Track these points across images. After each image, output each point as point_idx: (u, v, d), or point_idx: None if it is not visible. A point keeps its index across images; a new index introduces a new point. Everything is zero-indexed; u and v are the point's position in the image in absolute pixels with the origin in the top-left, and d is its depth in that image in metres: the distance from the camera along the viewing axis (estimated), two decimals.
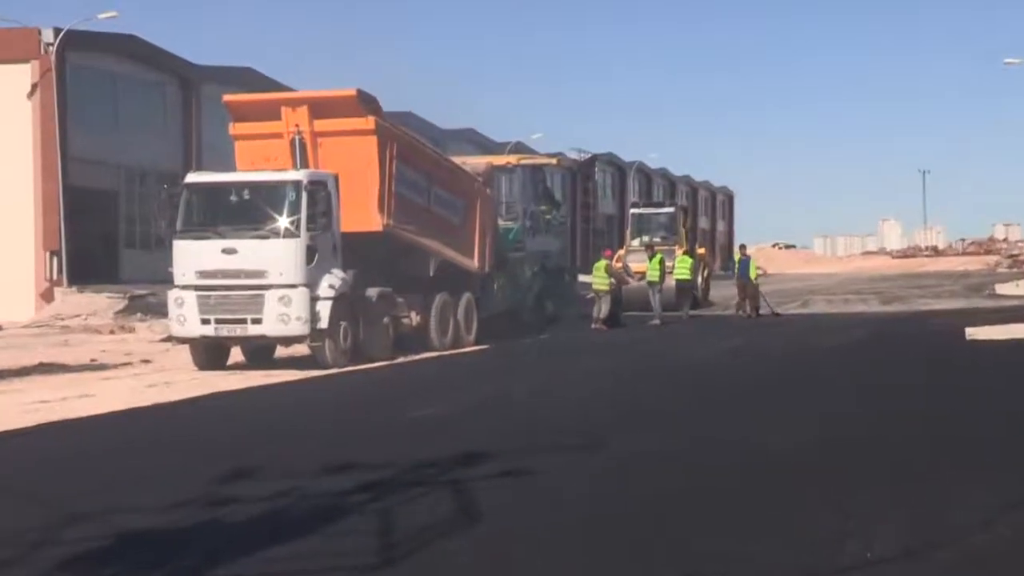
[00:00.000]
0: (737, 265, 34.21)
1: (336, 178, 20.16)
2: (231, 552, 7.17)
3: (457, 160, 26.16)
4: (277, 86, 40.73)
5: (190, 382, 18.04)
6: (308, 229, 19.32)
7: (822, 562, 6.78)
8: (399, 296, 21.96)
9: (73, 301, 35.51)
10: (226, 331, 19.58)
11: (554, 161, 37.86)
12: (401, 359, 21.34)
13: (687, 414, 13.32)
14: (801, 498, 8.51)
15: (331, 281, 19.73)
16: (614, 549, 7.16)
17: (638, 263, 32.95)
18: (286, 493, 8.80)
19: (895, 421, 12.31)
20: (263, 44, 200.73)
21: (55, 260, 37.07)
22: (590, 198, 44.05)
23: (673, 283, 32.49)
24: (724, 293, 39.18)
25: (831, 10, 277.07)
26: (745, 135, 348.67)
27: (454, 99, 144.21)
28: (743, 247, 37.24)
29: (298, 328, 19.32)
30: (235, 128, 21.72)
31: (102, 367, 21.08)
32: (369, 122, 20.88)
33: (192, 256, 19.62)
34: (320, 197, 19.61)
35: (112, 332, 30.30)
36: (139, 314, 33.27)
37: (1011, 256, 78.96)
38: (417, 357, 21.76)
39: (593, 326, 28.81)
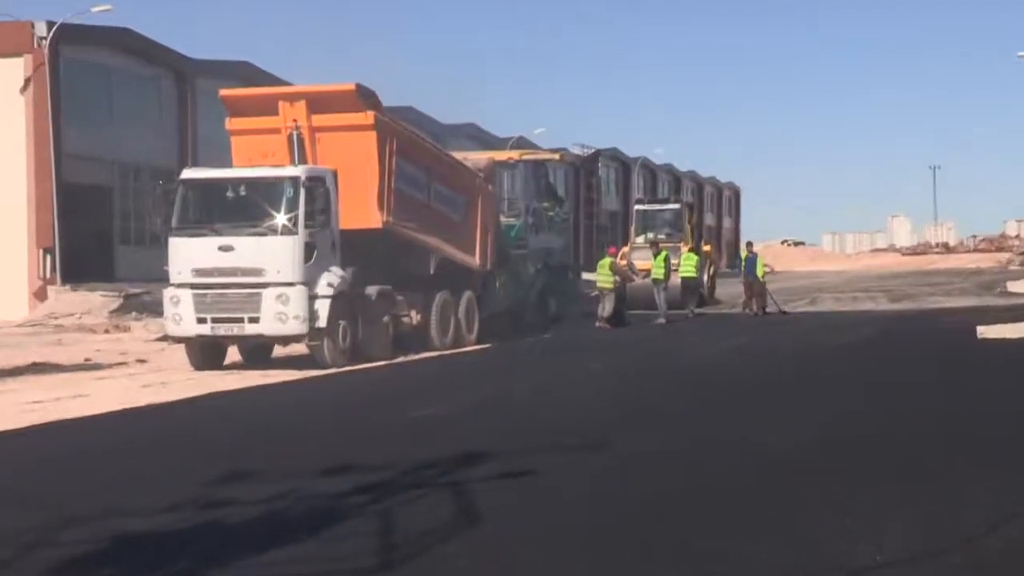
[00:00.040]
0: (744, 262, 34.24)
1: (335, 174, 20.19)
2: (228, 555, 7.20)
3: (458, 156, 26.19)
4: (274, 80, 40.78)
5: (186, 382, 18.07)
6: (306, 226, 19.34)
7: (826, 563, 6.81)
8: (399, 294, 21.99)
9: (67, 299, 35.55)
10: (223, 330, 19.61)
11: (557, 157, 37.96)
12: (401, 359, 21.36)
13: (690, 414, 13.36)
14: (805, 498, 8.54)
15: (330, 279, 19.76)
16: (615, 550, 7.20)
17: (643, 260, 32.98)
18: (284, 495, 8.84)
19: (904, 420, 12.33)
20: (260, 38, 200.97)
21: (48, 258, 37.11)
22: (594, 194, 44.19)
23: (678, 281, 32.53)
24: (730, 291, 39.22)
25: (841, 4, 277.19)
26: (753, 130, 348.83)
27: (455, 93, 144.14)
28: (750, 244, 37.25)
29: (296, 327, 19.35)
30: (231, 123, 21.75)
31: (96, 367, 21.12)
32: (368, 117, 20.90)
33: (188, 254, 19.65)
34: (318, 193, 19.64)
35: (107, 331, 30.34)
36: (134, 313, 33.31)
37: (1023, 253, 78.91)
38: (417, 357, 21.79)
39: (597, 325, 28.83)
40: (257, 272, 19.31)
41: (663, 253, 31.79)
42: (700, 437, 11.48)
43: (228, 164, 21.62)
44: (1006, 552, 7.03)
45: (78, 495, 9.22)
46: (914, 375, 17.01)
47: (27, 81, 37.36)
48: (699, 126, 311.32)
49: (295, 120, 20.83)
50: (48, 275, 37.01)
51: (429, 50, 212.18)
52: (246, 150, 21.34)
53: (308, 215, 19.35)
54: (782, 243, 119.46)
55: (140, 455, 11.43)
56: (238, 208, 19.75)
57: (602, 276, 29.74)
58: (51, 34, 37.05)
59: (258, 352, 21.23)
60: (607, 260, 30.26)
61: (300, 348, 20.66)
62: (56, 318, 33.81)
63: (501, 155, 31.04)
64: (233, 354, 21.01)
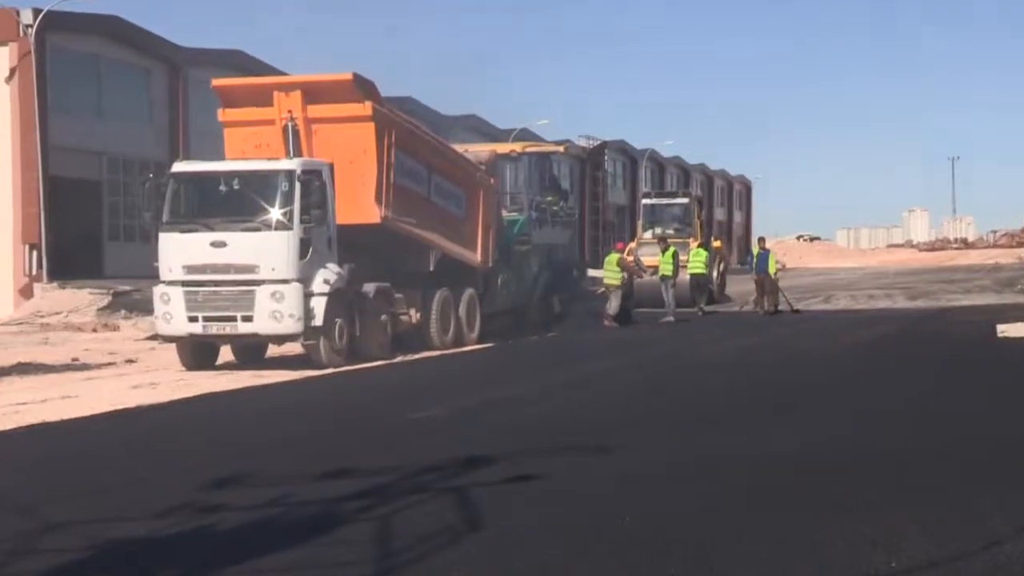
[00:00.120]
0: (755, 259, 34.25)
1: (331, 167, 20.19)
2: (221, 563, 7.20)
3: (459, 148, 26.20)
4: (269, 70, 40.82)
5: (177, 383, 18.07)
6: (302, 221, 19.33)
7: (840, 570, 6.80)
8: (398, 292, 21.99)
9: (53, 297, 35.57)
10: (215, 329, 19.60)
11: (561, 149, 37.99)
12: (400, 358, 21.36)
13: (696, 416, 13.35)
14: (818, 503, 8.52)
15: (326, 276, 19.76)
16: (619, 556, 7.19)
17: (650, 256, 32.97)
18: (279, 500, 8.84)
19: (921, 423, 12.33)
20: (254, 26, 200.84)
21: (35, 254, 37.14)
22: (599, 188, 44.00)
23: (687, 277, 32.57)
24: (741, 288, 39.23)
25: None
26: (764, 123, 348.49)
27: (456, 83, 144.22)
28: (762, 240, 37.31)
29: (291, 326, 19.35)
30: (224, 114, 21.75)
31: (84, 367, 21.13)
32: (366, 108, 20.90)
33: (179, 249, 19.64)
34: (314, 187, 19.62)
35: (95, 330, 30.37)
36: (123, 311, 33.33)
37: None
38: (416, 356, 21.79)
39: (604, 323, 28.82)
40: (251, 269, 19.30)
41: (671, 249, 31.82)
42: (708, 441, 11.48)
43: (221, 157, 21.63)
44: None
45: (65, 500, 9.22)
46: (931, 376, 17.03)
47: (12, 71, 37.39)
48: (710, 119, 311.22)
49: (290, 111, 20.83)
50: (34, 272, 37.04)
51: (429, 38, 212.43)
52: (239, 142, 21.35)
53: (304, 210, 19.33)
54: (798, 238, 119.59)
55: (130, 458, 11.43)
56: (231, 202, 19.73)
57: (609, 273, 29.71)
58: (37, 22, 37.06)
59: (251, 352, 21.24)
60: (615, 256, 30.25)
61: (295, 348, 20.67)
62: (42, 316, 33.84)
63: (503, 147, 31.06)
64: (226, 354, 21.01)
